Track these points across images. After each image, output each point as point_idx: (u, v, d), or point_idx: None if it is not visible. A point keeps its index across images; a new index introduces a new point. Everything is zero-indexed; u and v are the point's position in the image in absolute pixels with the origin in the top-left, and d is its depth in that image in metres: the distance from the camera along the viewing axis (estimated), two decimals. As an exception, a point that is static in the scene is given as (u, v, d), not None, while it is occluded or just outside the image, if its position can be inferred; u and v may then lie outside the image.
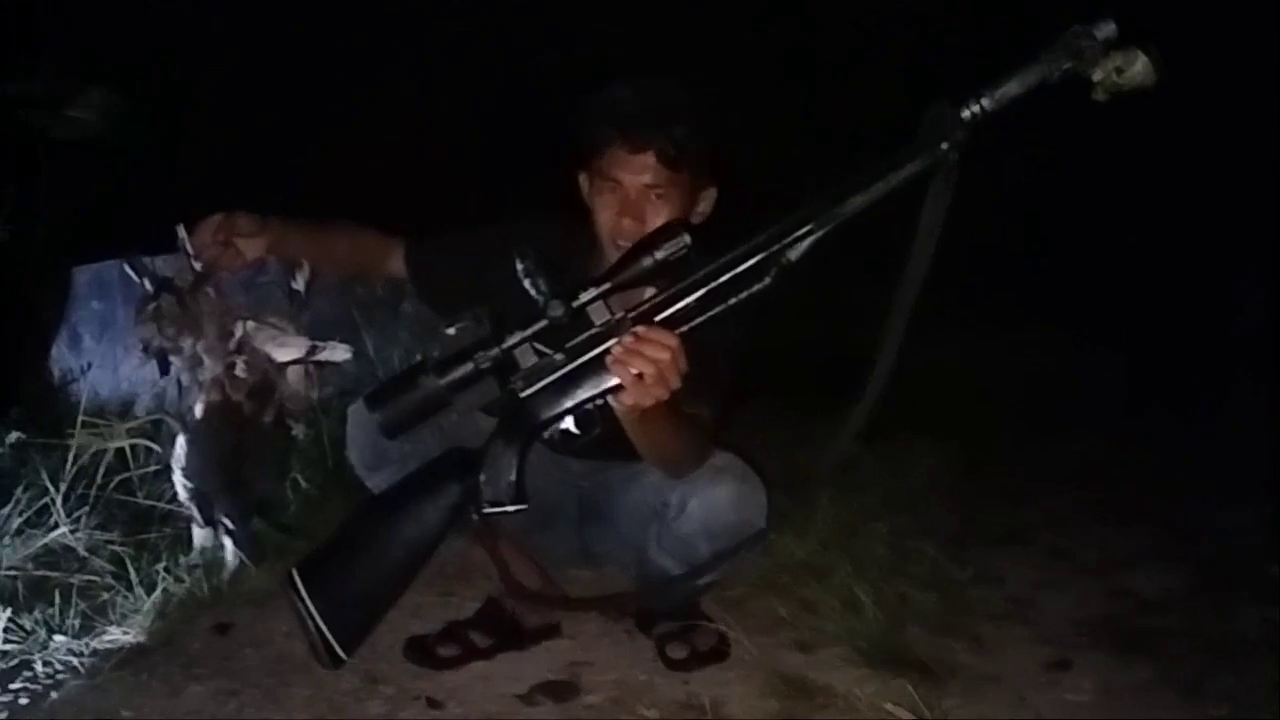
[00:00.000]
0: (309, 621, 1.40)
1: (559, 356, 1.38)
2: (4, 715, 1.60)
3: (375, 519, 1.45)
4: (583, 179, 1.72)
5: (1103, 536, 2.49)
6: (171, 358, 1.75)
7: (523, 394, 1.39)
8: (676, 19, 4.96)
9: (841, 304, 3.98)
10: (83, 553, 2.05)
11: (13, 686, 1.68)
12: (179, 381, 1.73)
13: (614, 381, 1.37)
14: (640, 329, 1.35)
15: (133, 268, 1.78)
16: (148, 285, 1.72)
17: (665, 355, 1.34)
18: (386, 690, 1.70)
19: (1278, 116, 4.08)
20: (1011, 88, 1.23)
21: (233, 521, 2.02)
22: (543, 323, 1.36)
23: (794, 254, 1.31)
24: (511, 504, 1.41)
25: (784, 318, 1.69)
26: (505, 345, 1.37)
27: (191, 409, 1.74)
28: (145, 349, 1.77)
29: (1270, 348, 3.82)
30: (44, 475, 2.13)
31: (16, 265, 2.86)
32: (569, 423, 1.41)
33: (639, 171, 1.63)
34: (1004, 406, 3.62)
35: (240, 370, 1.67)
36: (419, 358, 3.12)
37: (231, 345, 1.66)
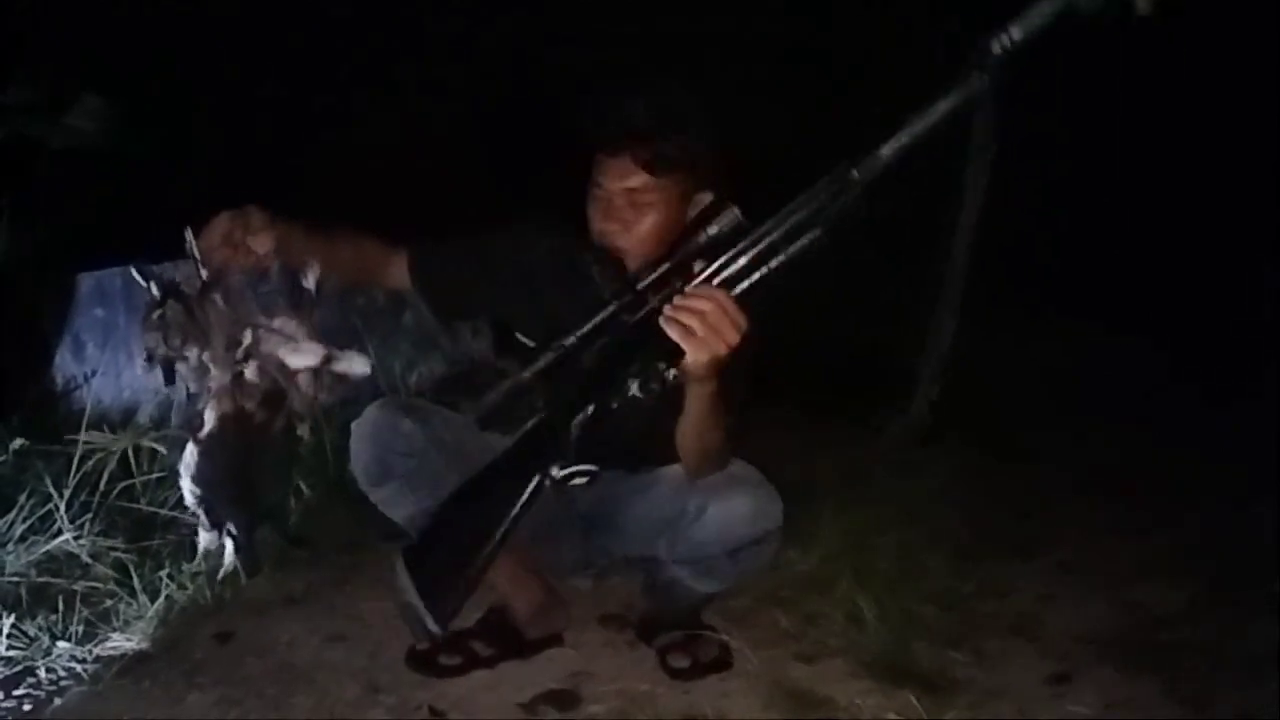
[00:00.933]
0: (404, 593, 1.46)
1: (621, 320, 1.44)
2: (7, 721, 1.61)
3: (474, 490, 1.51)
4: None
5: (1113, 547, 2.46)
6: (177, 366, 1.72)
7: (589, 366, 1.45)
8: (683, 14, 4.93)
9: (855, 306, 3.96)
10: (86, 559, 2.05)
11: (16, 693, 1.68)
12: (186, 390, 1.70)
13: (671, 343, 1.40)
14: (686, 289, 1.40)
15: (139, 272, 1.75)
16: (154, 290, 1.69)
17: (708, 305, 1.37)
18: (388, 700, 1.69)
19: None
20: (1043, 7, 1.18)
21: (238, 530, 2.00)
22: (613, 307, 1.42)
23: (843, 203, 1.32)
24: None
25: (794, 320, 1.69)
26: (581, 331, 1.43)
27: (200, 418, 1.71)
28: (150, 357, 1.74)
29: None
30: (47, 482, 2.13)
31: (17, 272, 2.86)
32: (634, 388, 1.45)
33: (618, 177, 1.65)
34: (1020, 406, 3.55)
35: (251, 376, 1.64)
36: (420, 371, 3.18)
37: (239, 354, 1.63)
